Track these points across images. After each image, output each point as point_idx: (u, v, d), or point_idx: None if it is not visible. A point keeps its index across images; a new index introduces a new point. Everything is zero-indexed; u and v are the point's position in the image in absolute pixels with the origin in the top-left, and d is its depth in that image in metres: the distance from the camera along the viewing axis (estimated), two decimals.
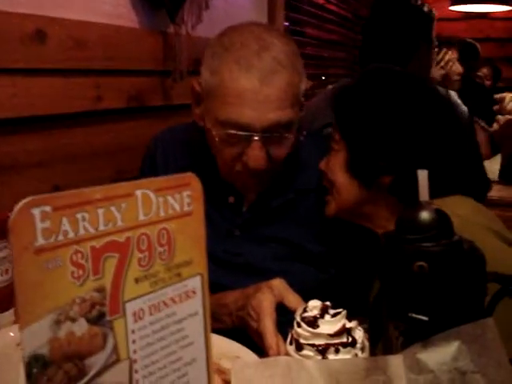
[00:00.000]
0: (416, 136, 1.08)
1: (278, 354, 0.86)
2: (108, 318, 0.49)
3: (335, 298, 0.88)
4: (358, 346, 0.79)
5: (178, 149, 1.27)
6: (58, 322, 0.45)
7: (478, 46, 3.84)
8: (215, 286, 1.08)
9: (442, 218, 0.70)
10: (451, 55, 2.88)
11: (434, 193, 1.07)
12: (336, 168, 1.11)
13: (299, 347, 0.79)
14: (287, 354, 0.81)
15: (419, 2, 2.12)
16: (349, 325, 0.80)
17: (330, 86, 2.04)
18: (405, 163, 1.07)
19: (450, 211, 1.05)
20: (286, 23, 2.75)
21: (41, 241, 0.44)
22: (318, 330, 0.78)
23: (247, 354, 0.88)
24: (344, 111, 1.14)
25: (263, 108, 1.02)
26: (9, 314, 0.92)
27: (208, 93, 1.07)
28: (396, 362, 0.65)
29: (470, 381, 0.62)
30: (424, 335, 0.64)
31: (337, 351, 0.77)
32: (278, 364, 0.69)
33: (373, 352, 0.77)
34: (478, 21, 5.13)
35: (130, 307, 0.51)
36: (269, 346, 0.88)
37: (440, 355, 0.63)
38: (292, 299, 0.93)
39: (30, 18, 1.28)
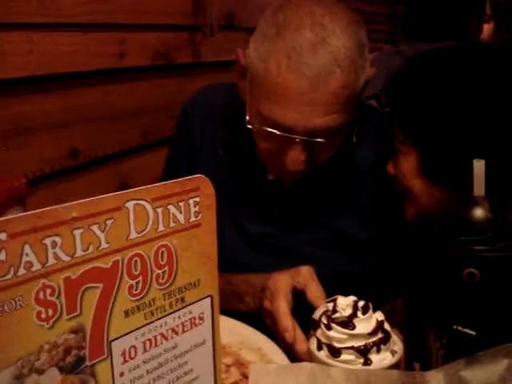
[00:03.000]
0: (506, 121, 0.88)
1: (294, 337, 0.81)
2: (88, 362, 0.40)
3: (362, 291, 0.79)
4: (391, 339, 0.71)
5: (216, 114, 1.14)
6: (19, 377, 0.36)
7: None
8: (246, 268, 1.03)
9: (498, 216, 0.61)
10: None
11: None
12: (408, 173, 0.95)
13: (335, 352, 0.70)
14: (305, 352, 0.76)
15: None
16: (379, 317, 0.72)
17: (375, 53, 1.85)
18: (496, 153, 0.85)
19: None
20: None
21: None
22: (355, 331, 0.70)
23: (270, 346, 0.82)
24: (405, 107, 0.95)
25: (309, 112, 0.90)
26: None
27: (253, 77, 0.95)
28: (436, 379, 0.58)
29: None
30: (469, 350, 0.58)
31: (378, 350, 0.69)
32: (302, 371, 0.62)
33: (408, 360, 0.70)
34: None
35: (118, 346, 0.41)
36: (284, 327, 0.82)
37: (486, 374, 0.58)
38: (314, 290, 0.86)
39: None
